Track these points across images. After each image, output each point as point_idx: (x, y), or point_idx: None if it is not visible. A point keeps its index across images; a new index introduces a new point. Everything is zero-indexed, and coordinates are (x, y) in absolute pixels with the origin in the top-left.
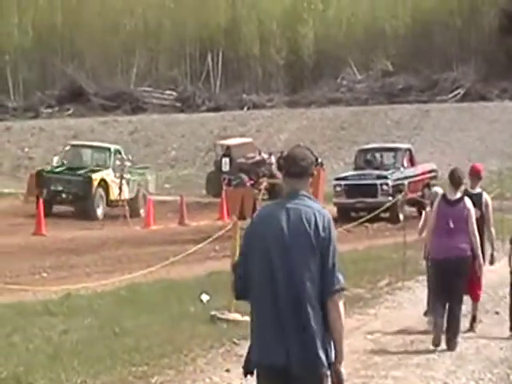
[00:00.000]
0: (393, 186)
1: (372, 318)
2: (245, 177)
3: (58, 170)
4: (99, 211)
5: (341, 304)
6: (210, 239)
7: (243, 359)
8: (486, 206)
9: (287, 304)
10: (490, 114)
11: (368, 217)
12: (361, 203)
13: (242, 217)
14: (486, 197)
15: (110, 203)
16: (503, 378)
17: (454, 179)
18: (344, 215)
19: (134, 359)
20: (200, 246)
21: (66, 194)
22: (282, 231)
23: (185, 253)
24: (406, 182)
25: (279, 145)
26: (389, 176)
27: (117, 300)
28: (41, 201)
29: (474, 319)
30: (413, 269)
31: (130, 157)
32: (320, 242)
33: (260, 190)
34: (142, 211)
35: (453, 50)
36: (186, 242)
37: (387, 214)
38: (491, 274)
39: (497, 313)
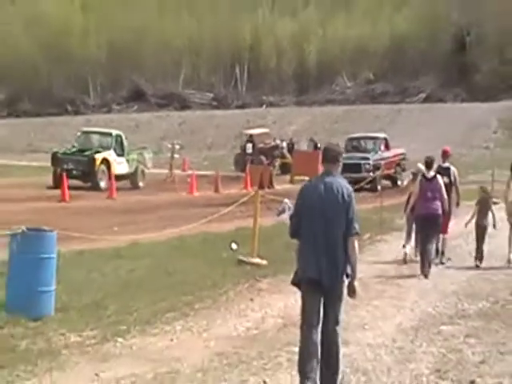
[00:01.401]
0: (373, 165)
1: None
2: (263, 157)
3: (69, 151)
4: (102, 184)
5: (356, 242)
6: (238, 203)
7: (291, 278)
8: (454, 175)
9: (323, 240)
10: (445, 113)
11: (354, 188)
12: (349, 178)
13: (261, 187)
14: (453, 169)
15: (111, 177)
16: (452, 305)
17: (428, 163)
18: None
19: (181, 291)
20: (230, 208)
21: (75, 171)
22: (321, 196)
23: (219, 213)
24: (382, 162)
25: (289, 134)
26: (370, 157)
27: (169, 247)
28: (113, 175)
29: (442, 253)
30: (388, 226)
31: (180, 141)
32: (345, 204)
33: (274, 167)
34: (140, 184)
35: (418, 64)
36: (220, 205)
37: (368, 186)
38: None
39: (449, 259)
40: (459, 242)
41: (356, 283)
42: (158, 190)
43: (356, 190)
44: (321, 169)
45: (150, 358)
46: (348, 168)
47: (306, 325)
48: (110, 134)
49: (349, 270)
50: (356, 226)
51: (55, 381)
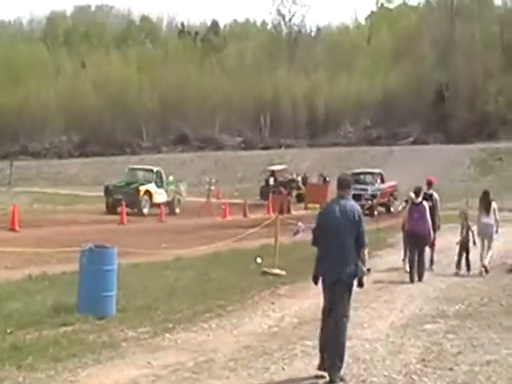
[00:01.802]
0: (371, 195)
1: None
2: (282, 189)
3: (119, 184)
4: (145, 210)
5: (366, 251)
6: (262, 225)
7: (311, 277)
8: (435, 200)
9: (338, 249)
10: (428, 153)
11: None
12: None
13: (280, 213)
14: (435, 195)
15: (153, 205)
16: (435, 307)
17: (416, 192)
18: None
19: (216, 296)
20: (256, 229)
21: (123, 200)
22: (336, 215)
23: (246, 233)
24: (378, 192)
25: (303, 170)
26: (368, 188)
27: (206, 261)
28: (165, 203)
29: (431, 262)
30: (383, 243)
31: (214, 178)
32: (355, 221)
33: (292, 197)
34: (177, 210)
35: (406, 114)
36: (248, 226)
37: (367, 212)
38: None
39: (432, 269)
40: (440, 257)
41: (364, 279)
42: (197, 215)
43: None
44: (329, 197)
45: (191, 349)
46: (351, 197)
47: (326, 312)
48: (152, 170)
49: (359, 272)
50: (366, 239)
51: (116, 367)
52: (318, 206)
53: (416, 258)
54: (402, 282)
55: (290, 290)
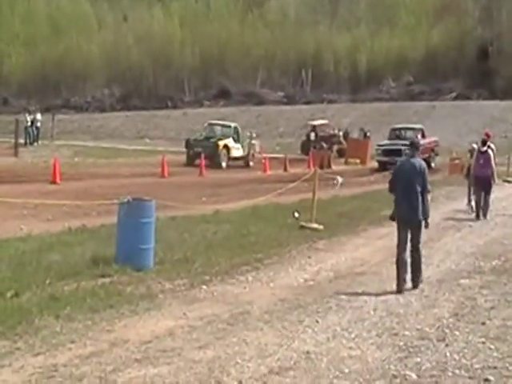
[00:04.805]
0: None
1: None
2: (324, 144)
3: (199, 138)
4: (223, 164)
5: (429, 196)
6: (301, 179)
7: (389, 215)
8: (492, 150)
9: (409, 194)
10: (471, 109)
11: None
12: (392, 160)
13: (321, 167)
14: (491, 145)
15: (230, 159)
16: (471, 263)
17: (483, 142)
18: (382, 167)
19: (254, 249)
20: (295, 183)
21: (203, 154)
22: (409, 169)
23: (286, 188)
24: None
25: (344, 125)
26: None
27: (245, 214)
28: (203, 156)
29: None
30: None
31: (254, 132)
32: (422, 173)
33: (332, 152)
34: (251, 163)
35: (449, 69)
36: (287, 181)
37: None
38: None
39: (470, 226)
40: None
41: (429, 220)
42: (240, 170)
43: None
44: (369, 153)
45: (227, 301)
46: (392, 152)
47: (400, 245)
48: (230, 126)
49: (426, 213)
50: (429, 186)
51: (152, 318)
52: (358, 160)
53: (482, 198)
54: (467, 220)
55: (326, 245)
